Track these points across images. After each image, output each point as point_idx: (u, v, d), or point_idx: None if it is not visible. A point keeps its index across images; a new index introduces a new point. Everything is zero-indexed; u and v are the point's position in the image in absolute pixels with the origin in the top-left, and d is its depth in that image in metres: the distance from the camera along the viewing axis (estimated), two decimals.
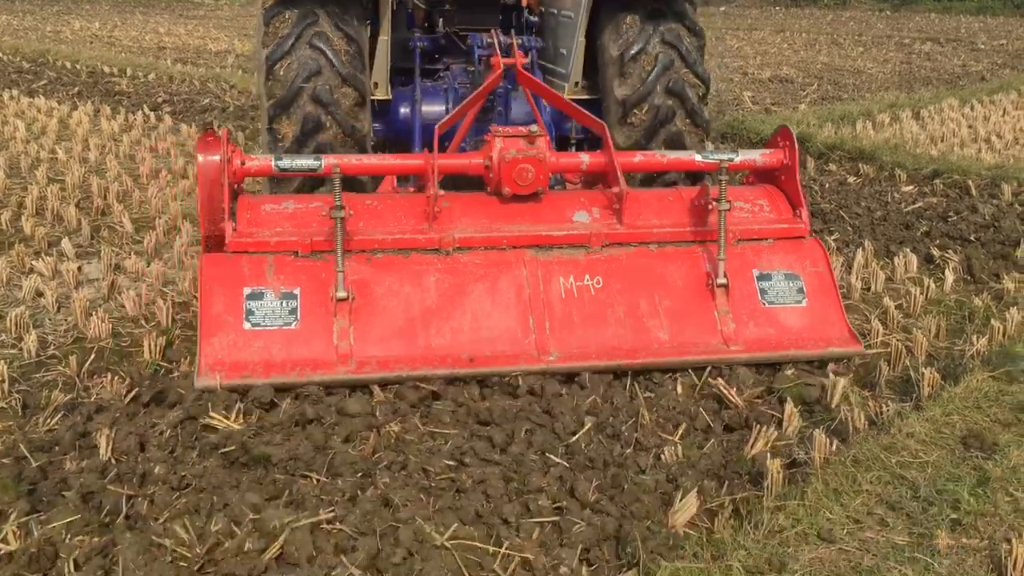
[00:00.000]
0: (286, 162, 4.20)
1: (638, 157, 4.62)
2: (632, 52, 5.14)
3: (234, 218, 4.00)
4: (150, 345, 4.17)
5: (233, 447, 3.31)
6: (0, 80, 12.37)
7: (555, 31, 5.76)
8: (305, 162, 4.22)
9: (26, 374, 3.96)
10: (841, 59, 17.10)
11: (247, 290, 3.85)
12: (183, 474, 3.14)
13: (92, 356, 4.11)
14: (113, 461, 3.23)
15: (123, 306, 4.70)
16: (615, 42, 5.22)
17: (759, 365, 4.08)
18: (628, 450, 3.44)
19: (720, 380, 3.92)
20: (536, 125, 4.35)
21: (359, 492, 3.09)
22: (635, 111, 5.18)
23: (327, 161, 4.18)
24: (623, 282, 4.13)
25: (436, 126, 4.48)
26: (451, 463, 3.29)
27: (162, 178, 7.18)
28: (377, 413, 3.61)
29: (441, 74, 5.82)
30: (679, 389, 3.92)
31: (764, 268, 4.26)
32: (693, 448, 3.48)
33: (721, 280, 4.13)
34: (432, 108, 5.55)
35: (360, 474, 3.21)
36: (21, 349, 4.14)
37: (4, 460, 3.20)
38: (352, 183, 4.73)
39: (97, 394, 3.79)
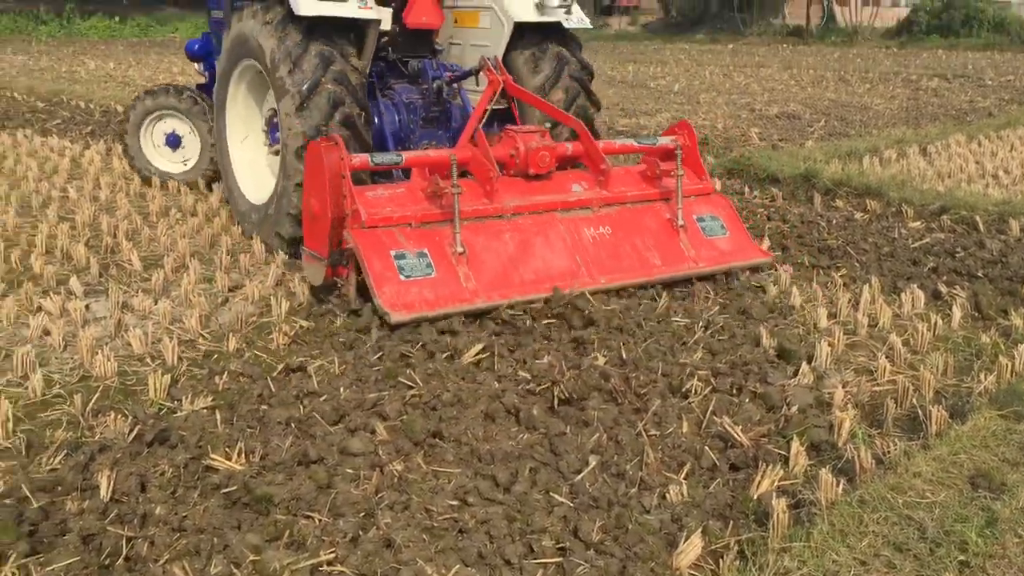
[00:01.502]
0: (378, 158, 5.38)
1: (601, 144, 6.03)
2: (550, 81, 6.75)
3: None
4: (155, 384, 4.18)
5: (235, 487, 3.30)
6: (14, 120, 12.53)
7: (463, 58, 7.18)
8: (391, 158, 5.45)
9: (31, 413, 3.96)
10: (848, 95, 17.17)
11: (393, 252, 5.01)
12: (184, 515, 3.13)
13: (97, 395, 4.12)
14: (114, 502, 3.22)
15: (129, 344, 4.72)
16: (532, 70, 6.77)
17: (717, 275, 5.76)
18: (633, 489, 3.42)
19: (726, 418, 3.89)
20: (547, 124, 6.04)
21: (361, 532, 3.07)
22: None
23: (406, 156, 5.46)
24: (622, 230, 5.71)
25: (476, 130, 5.74)
26: (454, 503, 3.27)
27: (171, 216, 7.24)
28: (380, 452, 3.60)
29: (386, 92, 6.85)
30: (685, 427, 3.90)
31: (699, 213, 6.00)
32: (698, 487, 3.45)
33: (681, 223, 5.83)
34: (393, 119, 6.73)
35: (362, 514, 3.19)
36: (27, 388, 4.15)
37: (6, 501, 3.19)
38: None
39: (101, 433, 3.79)
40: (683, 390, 4.23)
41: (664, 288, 5.58)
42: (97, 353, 4.45)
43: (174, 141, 8.31)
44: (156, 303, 5.31)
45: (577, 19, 6.89)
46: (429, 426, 3.81)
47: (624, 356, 4.55)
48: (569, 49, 6.94)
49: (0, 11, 37.50)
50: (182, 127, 8.23)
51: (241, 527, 3.08)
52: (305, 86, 5.72)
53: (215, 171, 7.92)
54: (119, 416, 3.88)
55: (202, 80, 8.67)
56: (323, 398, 4.08)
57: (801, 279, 6.01)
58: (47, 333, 4.80)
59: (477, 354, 4.57)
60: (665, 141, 6.09)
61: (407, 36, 6.81)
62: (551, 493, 3.37)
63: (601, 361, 4.49)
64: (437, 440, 3.75)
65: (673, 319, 5.16)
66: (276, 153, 6.47)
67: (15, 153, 9.81)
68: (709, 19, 46.04)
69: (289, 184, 5.89)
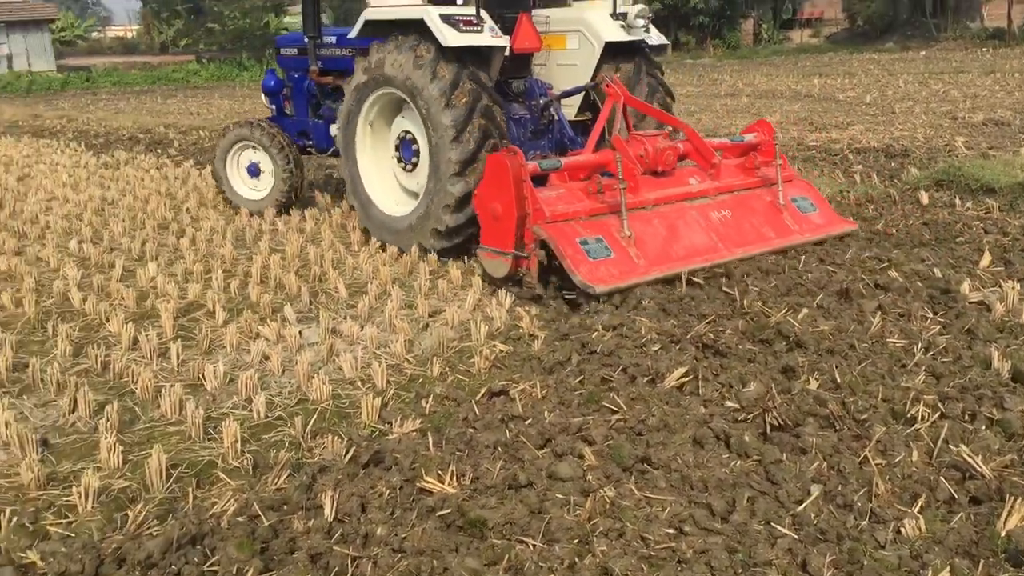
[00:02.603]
0: (544, 164, 6.24)
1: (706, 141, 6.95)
2: (641, 90, 7.66)
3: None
4: (367, 407, 4.30)
5: (449, 510, 3.32)
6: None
7: (550, 76, 7.93)
8: (552, 163, 6.31)
9: (255, 434, 4.17)
10: None
11: (578, 239, 5.82)
12: (403, 536, 3.18)
13: (315, 417, 4.29)
14: (337, 521, 3.32)
15: (341, 368, 4.90)
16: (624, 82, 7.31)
17: (817, 242, 6.67)
18: (863, 522, 3.20)
19: (962, 447, 3.59)
20: (670, 128, 7.03)
21: (577, 559, 3.02)
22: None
23: (563, 162, 6.34)
24: (738, 211, 6.62)
25: (611, 138, 6.63)
26: (670, 531, 3.17)
27: (371, 245, 7.51)
28: (589, 477, 3.54)
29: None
30: (914, 456, 3.62)
31: (792, 195, 6.94)
32: (937, 521, 3.19)
33: (782, 202, 6.79)
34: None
35: (577, 540, 3.14)
36: (251, 410, 4.38)
37: (239, 518, 3.35)
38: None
39: (319, 454, 3.93)
40: (908, 416, 3.95)
41: (878, 309, 5.27)
42: (313, 377, 4.64)
43: (253, 170, 9.02)
44: (363, 328, 5.50)
45: (656, 37, 7.78)
46: (637, 451, 3.73)
47: (838, 380, 4.31)
48: (650, 62, 7.84)
49: (208, 59, 40.66)
50: (261, 157, 8.92)
51: (459, 550, 3.09)
52: (447, 91, 6.53)
53: (285, 201, 8.88)
54: (335, 438, 4.00)
55: (269, 113, 9.61)
56: (528, 422, 4.08)
57: None
58: (266, 358, 5.06)
59: (680, 378, 4.45)
60: (750, 138, 7.16)
61: (511, 60, 7.45)
62: (772, 523, 3.20)
63: (813, 385, 4.27)
64: (646, 466, 3.66)
65: (888, 340, 4.85)
66: (409, 169, 7.26)
67: None
68: (898, 27, 43.91)
69: (441, 184, 6.65)
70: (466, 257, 6.85)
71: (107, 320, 5.72)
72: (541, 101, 7.62)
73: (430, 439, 3.91)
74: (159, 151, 14.67)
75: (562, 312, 5.74)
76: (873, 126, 13.87)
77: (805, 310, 5.23)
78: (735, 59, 42.36)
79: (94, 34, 74.06)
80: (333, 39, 8.46)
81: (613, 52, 7.59)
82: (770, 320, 5.03)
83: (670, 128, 6.98)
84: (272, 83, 9.41)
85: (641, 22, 7.54)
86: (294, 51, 9.16)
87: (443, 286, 6.28)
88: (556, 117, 7.64)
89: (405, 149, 7.24)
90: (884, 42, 42.38)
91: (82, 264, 7.31)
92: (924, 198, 8.21)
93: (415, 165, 7.18)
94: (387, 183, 7.54)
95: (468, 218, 6.60)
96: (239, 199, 9.19)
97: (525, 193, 5.87)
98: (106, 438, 3.92)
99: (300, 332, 5.52)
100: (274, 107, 9.53)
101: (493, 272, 6.15)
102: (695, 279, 5.81)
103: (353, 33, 7.52)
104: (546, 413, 4.16)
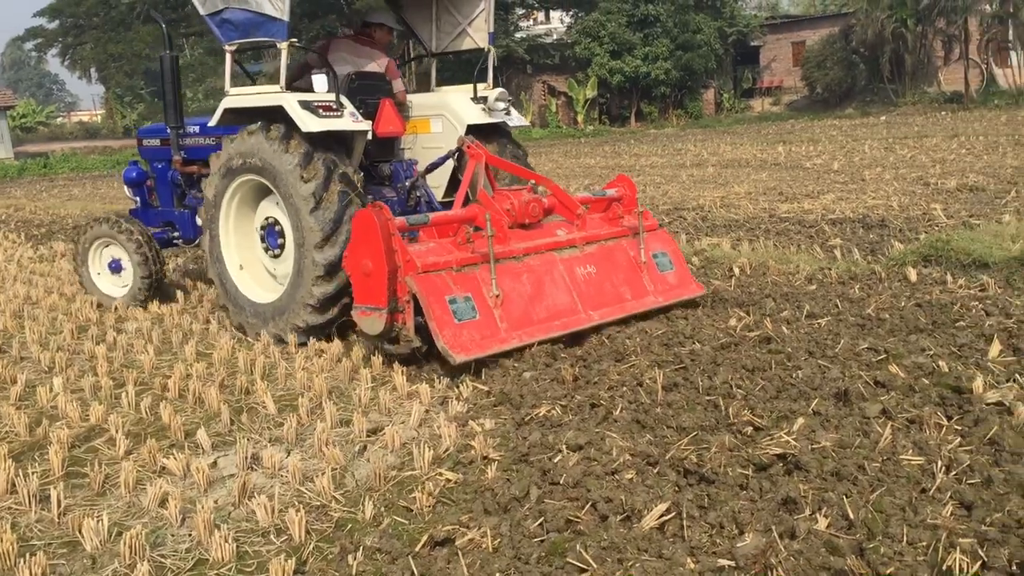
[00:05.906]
0: (412, 219, 6.17)
1: (569, 193, 7.17)
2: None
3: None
4: (278, 571, 3.47)
5: None
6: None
7: (418, 158, 8.08)
8: (420, 219, 6.27)
9: None
10: None
11: (448, 297, 5.77)
12: None
13: None
14: None
15: (254, 513, 4.07)
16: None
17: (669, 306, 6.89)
18: None
19: None
20: (534, 183, 7.11)
21: None
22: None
23: (431, 217, 6.36)
24: (601, 267, 6.75)
25: (478, 195, 6.68)
26: None
27: (310, 348, 6.74)
28: None
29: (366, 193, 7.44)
30: None
31: (654, 250, 7.10)
32: None
33: (643, 259, 6.94)
34: None
35: None
36: None
37: None
38: None
39: None
40: (944, 568, 3.20)
41: (883, 414, 4.57)
42: (216, 531, 3.81)
43: (116, 267, 8.70)
44: (288, 455, 4.69)
45: (516, 119, 8.04)
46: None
47: (851, 516, 3.57)
48: (511, 142, 8.07)
49: None
50: (121, 253, 8.57)
51: None
52: (317, 191, 6.49)
53: (147, 295, 8.51)
54: None
55: (134, 206, 9.34)
56: None
57: None
58: (165, 502, 4.21)
59: (660, 516, 3.69)
60: (611, 191, 7.35)
61: (376, 144, 7.66)
62: None
63: (822, 524, 3.52)
64: None
65: (902, 457, 4.12)
66: (275, 256, 7.18)
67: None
68: (857, 93, 44.52)
69: (305, 279, 6.57)
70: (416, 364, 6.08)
71: None
72: (408, 183, 7.81)
73: None
74: None
75: (522, 422, 4.98)
76: (845, 194, 13.43)
77: (801, 419, 4.52)
78: (698, 128, 42.53)
79: (58, 119, 73.42)
80: (196, 128, 8.41)
81: (476, 134, 7.69)
82: (762, 437, 4.30)
83: (533, 183, 7.14)
84: (135, 175, 9.17)
85: (502, 105, 7.85)
86: (156, 142, 8.99)
87: (385, 397, 5.49)
88: (425, 197, 7.79)
89: (270, 235, 7.20)
90: (843, 108, 42.85)
91: None
92: (912, 275, 7.60)
93: (281, 250, 7.10)
94: (253, 269, 7.45)
95: (338, 289, 6.51)
96: (102, 296, 8.80)
97: (395, 246, 5.82)
98: None
99: (214, 462, 4.70)
100: (138, 199, 9.23)
101: (368, 330, 5.98)
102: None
103: (213, 121, 7.40)
104: (498, 575, 3.36)
